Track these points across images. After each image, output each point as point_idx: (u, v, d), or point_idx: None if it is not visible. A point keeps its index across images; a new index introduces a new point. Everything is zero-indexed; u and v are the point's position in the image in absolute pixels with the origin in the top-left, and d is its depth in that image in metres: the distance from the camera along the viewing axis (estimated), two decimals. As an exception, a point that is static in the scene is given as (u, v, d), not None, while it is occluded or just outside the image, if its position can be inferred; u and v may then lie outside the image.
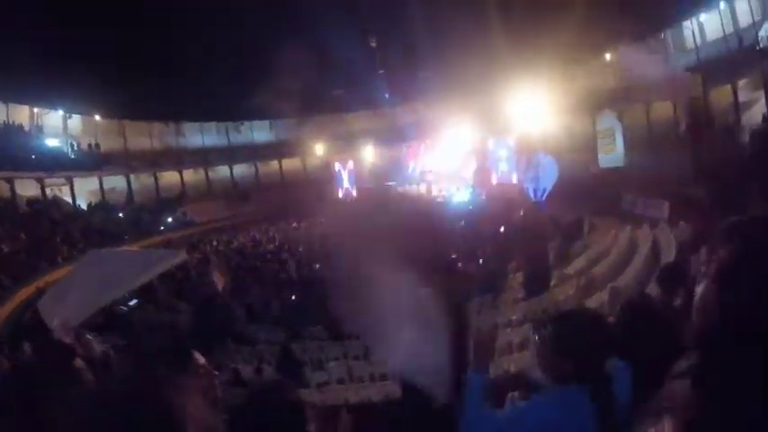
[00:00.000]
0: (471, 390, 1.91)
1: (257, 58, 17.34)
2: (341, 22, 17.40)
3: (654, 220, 15.55)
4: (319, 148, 35.28)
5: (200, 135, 35.66)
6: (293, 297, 12.04)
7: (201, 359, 1.91)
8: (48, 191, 24.61)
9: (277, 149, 37.01)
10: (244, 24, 14.90)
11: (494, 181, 28.94)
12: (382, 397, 6.32)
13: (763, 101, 18.12)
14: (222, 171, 35.82)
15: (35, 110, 26.28)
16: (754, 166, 13.39)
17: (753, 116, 18.45)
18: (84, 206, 26.26)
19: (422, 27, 17.49)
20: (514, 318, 8.71)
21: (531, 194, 25.13)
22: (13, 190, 22.43)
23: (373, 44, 20.50)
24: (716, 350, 0.92)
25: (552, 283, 10.17)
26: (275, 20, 16.29)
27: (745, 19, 19.96)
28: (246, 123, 36.32)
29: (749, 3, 19.63)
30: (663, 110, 22.93)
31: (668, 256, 9.88)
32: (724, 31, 20.35)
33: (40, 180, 23.94)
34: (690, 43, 22.19)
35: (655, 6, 18.59)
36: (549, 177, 24.33)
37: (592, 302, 8.25)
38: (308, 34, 17.73)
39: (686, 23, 22.04)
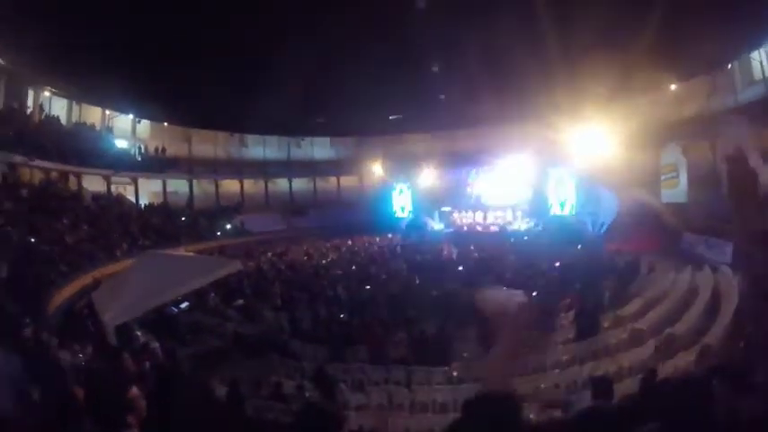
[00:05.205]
0: None
1: (321, 79, 17.86)
2: (404, 49, 17.63)
3: (716, 263, 14.71)
4: (378, 168, 35.62)
5: (261, 147, 36.65)
6: (341, 316, 12.08)
7: None
8: (113, 188, 25.88)
9: (336, 166, 37.63)
10: (309, 48, 15.42)
11: (552, 212, 28.30)
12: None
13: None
14: (281, 184, 36.60)
15: (107, 112, 27.82)
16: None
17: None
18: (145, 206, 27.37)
19: (483, 55, 17.39)
20: (564, 359, 8.40)
21: (590, 228, 24.45)
22: (80, 184, 23.73)
23: (435, 69, 20.54)
24: None
25: (605, 326, 9.76)
26: (339, 45, 16.79)
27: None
28: (307, 139, 37.02)
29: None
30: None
31: (729, 303, 9.37)
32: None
33: (106, 177, 25.26)
34: (758, 75, 20.92)
35: (722, 37, 17.53)
36: (608, 212, 23.60)
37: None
38: (371, 59, 18.04)
39: (754, 54, 20.80)
